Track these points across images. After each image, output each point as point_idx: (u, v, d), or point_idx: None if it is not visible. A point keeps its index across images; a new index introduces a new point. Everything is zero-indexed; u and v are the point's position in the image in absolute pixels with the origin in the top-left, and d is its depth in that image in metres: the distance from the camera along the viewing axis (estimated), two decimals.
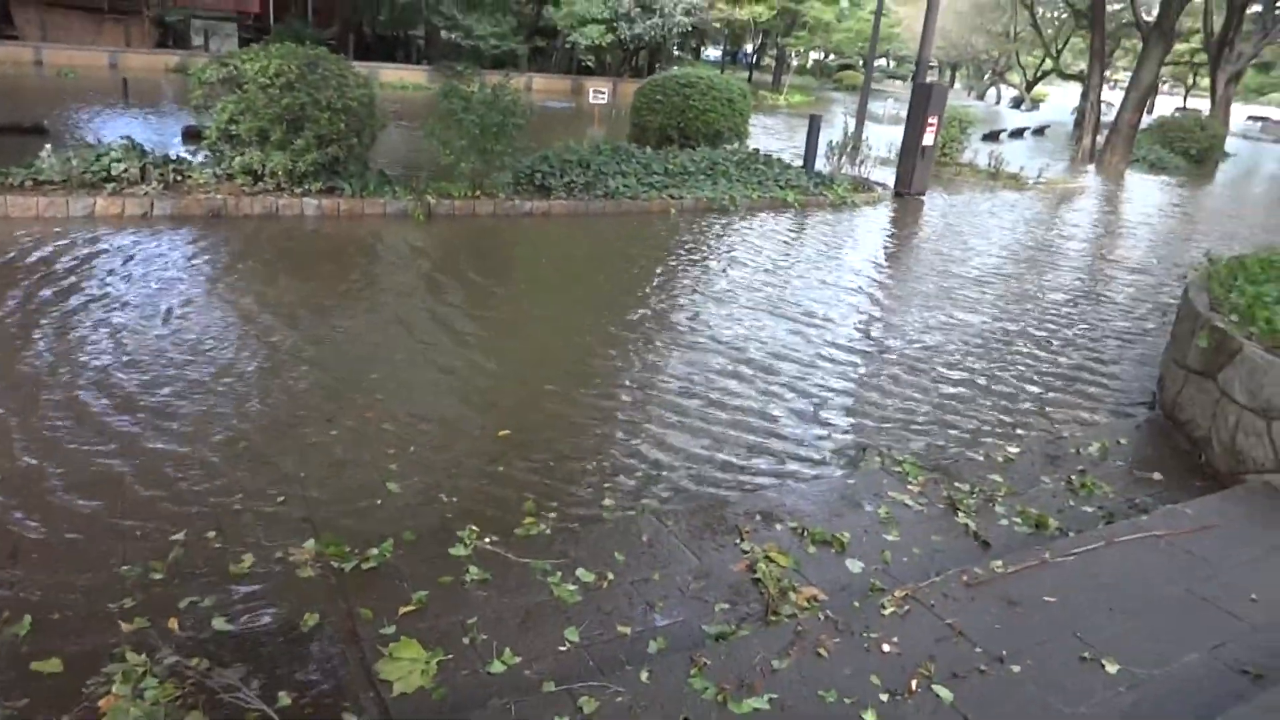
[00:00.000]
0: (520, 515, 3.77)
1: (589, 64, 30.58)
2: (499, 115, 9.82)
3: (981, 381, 6.02)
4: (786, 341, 6.45)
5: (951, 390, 5.81)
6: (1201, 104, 43.60)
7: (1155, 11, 21.27)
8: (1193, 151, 22.76)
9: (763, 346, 6.30)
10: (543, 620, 3.06)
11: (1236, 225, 14.63)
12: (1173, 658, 2.94)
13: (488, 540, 3.50)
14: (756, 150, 13.54)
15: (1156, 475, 4.71)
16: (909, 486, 4.31)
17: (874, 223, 11.58)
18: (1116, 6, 27.87)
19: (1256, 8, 25.49)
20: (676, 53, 31.69)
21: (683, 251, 8.92)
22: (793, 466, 4.57)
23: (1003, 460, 4.73)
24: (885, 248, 10.37)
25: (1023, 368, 6.40)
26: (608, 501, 4.01)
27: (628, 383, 5.44)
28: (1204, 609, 3.25)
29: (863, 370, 6.07)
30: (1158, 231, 13.17)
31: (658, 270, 8.11)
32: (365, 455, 4.21)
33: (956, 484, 4.35)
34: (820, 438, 4.93)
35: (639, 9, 26.22)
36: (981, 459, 4.72)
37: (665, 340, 6.25)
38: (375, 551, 3.32)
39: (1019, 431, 5.25)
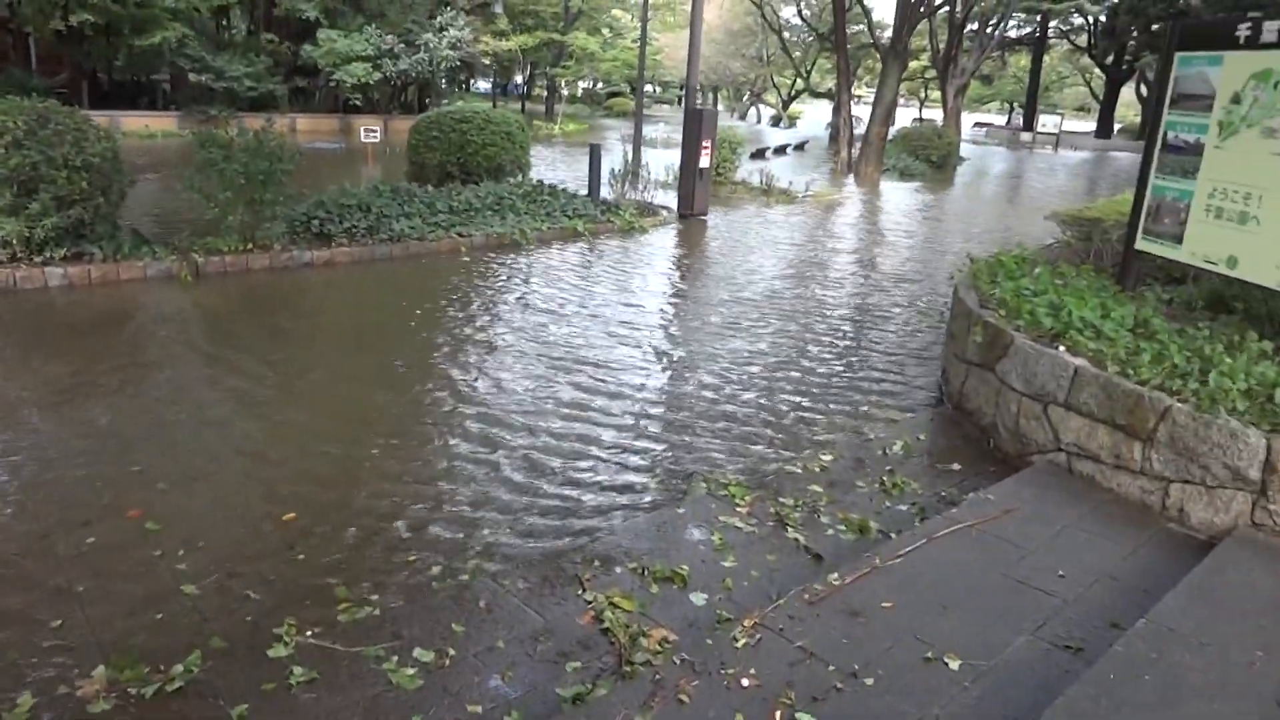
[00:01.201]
0: (341, 600, 3.45)
1: (356, 102, 29.53)
2: (265, 162, 9.20)
3: (785, 395, 6.21)
4: (590, 378, 6.39)
5: (757, 408, 5.95)
6: (935, 114, 48.33)
7: (889, 34, 23.27)
8: (934, 158, 25.11)
9: (567, 384, 6.20)
10: (385, 714, 2.79)
11: (981, 221, 16.21)
12: (1004, 644, 3.09)
13: (310, 634, 3.17)
14: (541, 182, 13.53)
15: (956, 466, 5.03)
16: (738, 508, 4.34)
17: (663, 245, 11.84)
18: (856, 28, 30.30)
19: (973, 28, 28.56)
20: (446, 87, 31.24)
21: (477, 292, 8.66)
22: (621, 501, 4.49)
23: (819, 469, 4.88)
24: (678, 270, 10.60)
25: (821, 376, 6.68)
26: (434, 570, 3.75)
27: (430, 440, 5.16)
28: (1022, 592, 3.45)
29: (671, 399, 6.10)
30: (917, 234, 14.32)
31: (452, 314, 7.78)
32: (150, 556, 3.72)
33: (781, 499, 4.44)
34: (640, 470, 4.89)
35: (403, 45, 25.64)
36: (800, 470, 4.85)
37: (464, 391, 6.01)
38: (180, 668, 2.92)
39: (828, 438, 5.45)
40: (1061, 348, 4.92)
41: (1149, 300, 5.87)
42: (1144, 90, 51.53)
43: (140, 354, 6.45)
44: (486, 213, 11.53)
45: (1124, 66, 47.70)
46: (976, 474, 4.93)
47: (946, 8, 26.39)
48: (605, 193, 13.99)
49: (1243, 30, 5.21)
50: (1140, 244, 6.04)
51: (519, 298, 8.50)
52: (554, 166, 20.76)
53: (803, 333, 7.77)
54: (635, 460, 5.00)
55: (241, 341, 6.85)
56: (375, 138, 20.76)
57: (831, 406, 6.03)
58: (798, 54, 43.61)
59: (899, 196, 19.73)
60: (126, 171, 9.08)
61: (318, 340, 7.02)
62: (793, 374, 6.65)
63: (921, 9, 22.65)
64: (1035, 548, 3.82)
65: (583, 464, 4.92)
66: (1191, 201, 5.57)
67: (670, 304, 8.68)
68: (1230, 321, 5.55)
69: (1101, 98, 51.51)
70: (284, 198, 9.59)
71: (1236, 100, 5.24)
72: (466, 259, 10.03)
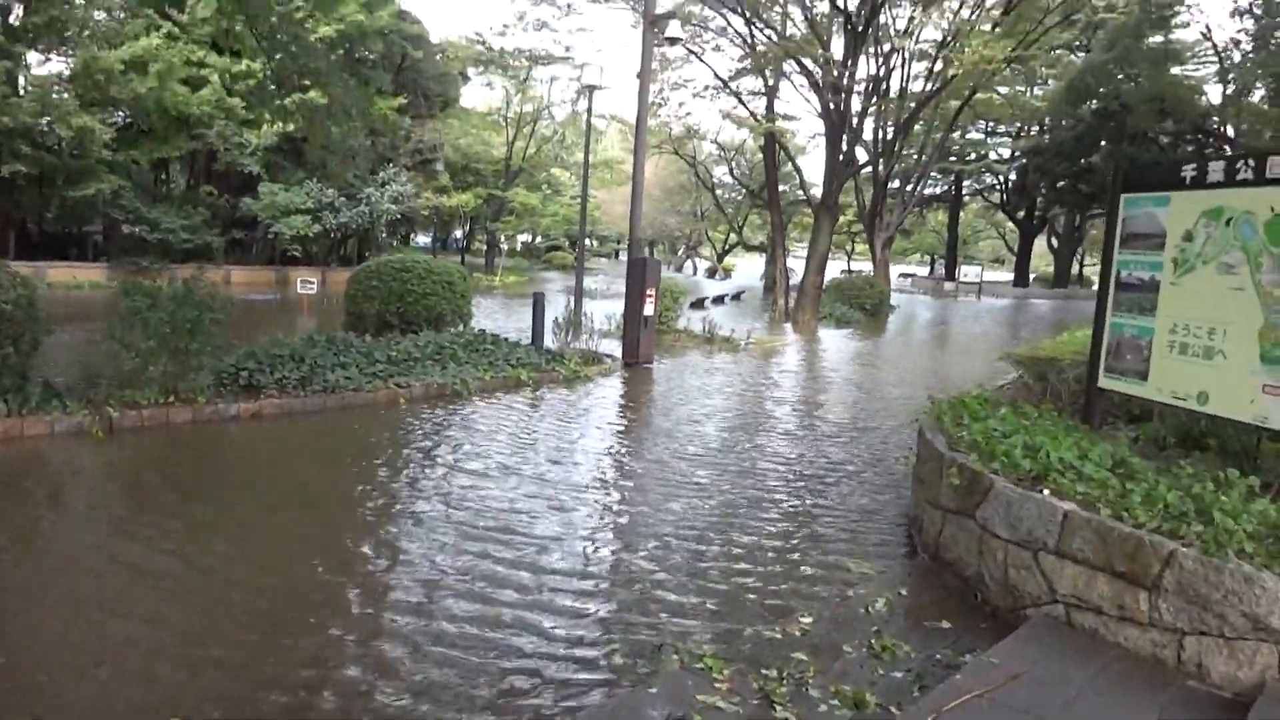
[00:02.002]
0: None
1: (295, 254, 29.46)
2: (193, 310, 8.77)
3: (751, 554, 5.75)
4: (532, 548, 5.89)
5: (723, 569, 5.49)
6: (861, 265, 50.29)
7: (819, 190, 24.27)
8: (867, 306, 25.76)
9: (509, 557, 5.70)
10: None
11: (922, 364, 16.38)
12: None
13: None
14: (483, 331, 13.28)
15: (945, 623, 4.62)
16: (716, 684, 3.84)
17: (610, 395, 11.53)
18: (784, 186, 31.64)
19: (895, 185, 30.07)
20: (385, 239, 31.45)
21: (411, 448, 8.12)
22: (581, 677, 3.94)
23: (800, 633, 4.42)
24: (626, 422, 10.19)
25: (784, 532, 6.25)
26: None
27: (355, 627, 4.57)
28: None
29: (628, 561, 5.63)
30: (862, 380, 14.32)
31: (381, 476, 7.10)
32: None
33: (764, 671, 3.95)
34: (599, 642, 4.36)
35: (344, 199, 25.85)
36: (780, 636, 4.38)
37: (401, 563, 5.45)
38: None
39: (804, 599, 5.00)
40: (1046, 490, 4.64)
41: (1120, 439, 5.71)
42: (1054, 242, 54.69)
43: (24, 519, 5.76)
44: (426, 362, 11.16)
45: (1034, 220, 50.71)
46: (969, 631, 4.52)
47: (870, 167, 27.79)
48: (549, 342, 13.78)
49: (1188, 171, 5.29)
50: (1103, 382, 5.93)
51: (455, 455, 7.88)
52: (494, 316, 20.65)
53: (759, 487, 7.27)
54: (594, 635, 4.48)
55: (156, 502, 6.21)
56: (312, 289, 20.56)
57: (802, 564, 5.60)
58: (730, 210, 45.37)
59: (838, 343, 19.99)
60: (43, 321, 8.57)
61: (242, 502, 6.39)
62: (755, 530, 6.20)
63: (849, 167, 23.75)
64: (1054, 716, 3.39)
65: (536, 651, 4.37)
66: (1153, 338, 5.50)
67: (620, 460, 8.22)
68: (1204, 458, 5.39)
69: (1016, 249, 54.35)
70: (211, 348, 9.09)
71: (1189, 238, 5.26)
72: (404, 410, 9.54)
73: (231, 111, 25.94)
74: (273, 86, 19.24)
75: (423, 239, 55.94)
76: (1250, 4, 26.37)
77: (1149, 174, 5.80)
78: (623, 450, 8.52)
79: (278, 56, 14.30)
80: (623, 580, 5.15)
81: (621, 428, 9.68)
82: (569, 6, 22.40)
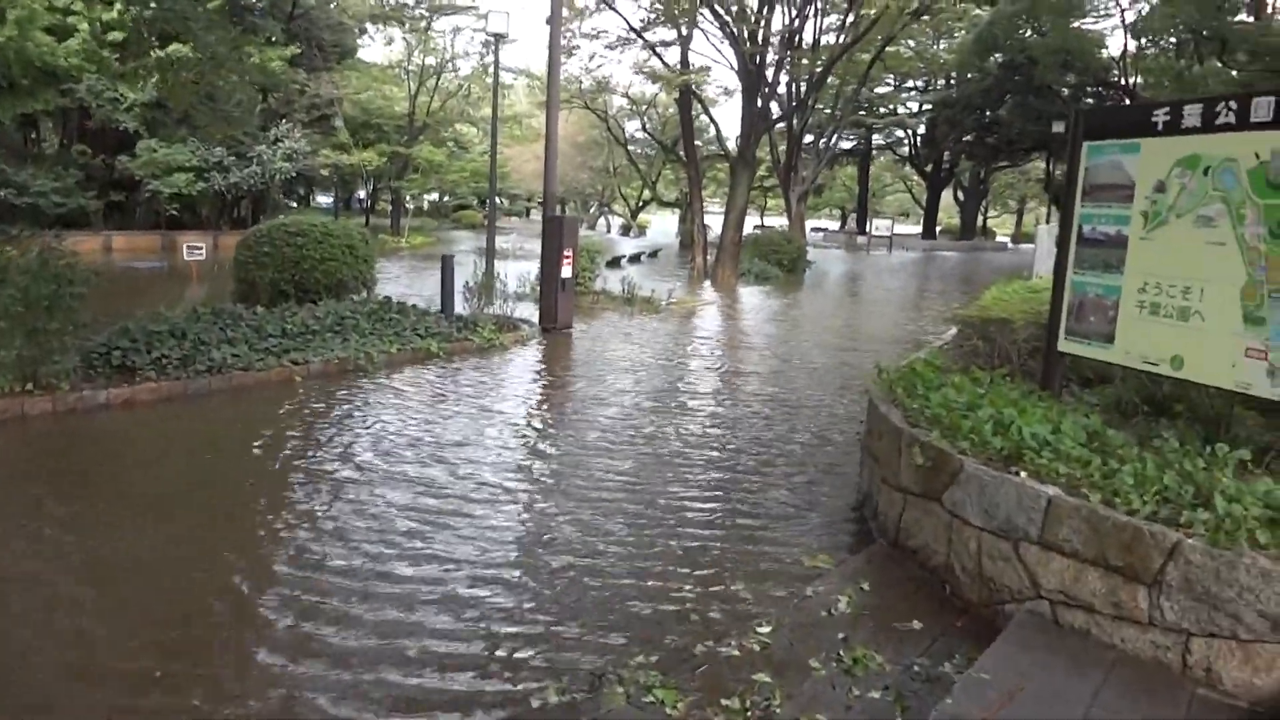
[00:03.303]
0: None
1: (183, 219, 27.49)
2: (49, 285, 7.69)
3: (692, 553, 5.20)
4: (451, 550, 5.21)
5: (663, 573, 4.92)
6: (774, 221, 50.25)
7: (734, 144, 23.71)
8: (785, 262, 25.44)
9: (412, 556, 5.02)
10: None
11: (849, 320, 16.10)
12: None
13: None
14: (389, 299, 12.34)
15: (916, 624, 4.13)
16: (670, 717, 3.27)
17: (528, 364, 10.81)
18: (699, 142, 30.97)
19: (809, 139, 29.75)
20: (282, 200, 29.66)
21: (309, 432, 7.26)
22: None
23: (758, 647, 3.88)
24: (545, 394, 9.48)
25: (728, 525, 5.72)
26: None
27: (221, 691, 3.86)
28: None
29: (555, 567, 5.01)
30: (790, 338, 13.91)
31: (267, 467, 6.30)
32: None
33: (724, 701, 3.39)
34: (527, 670, 3.74)
35: (233, 157, 24.09)
36: (737, 652, 3.83)
37: (296, 574, 4.72)
38: None
39: (758, 602, 4.47)
40: (1023, 473, 4.18)
41: (1082, 408, 5.32)
42: (960, 195, 55.69)
43: None
44: (326, 335, 10.22)
45: (942, 173, 51.41)
46: (944, 633, 4.05)
47: (783, 122, 27.36)
48: (460, 308, 12.93)
49: (1160, 116, 4.83)
50: (1064, 345, 5.51)
51: (357, 438, 7.09)
52: (401, 281, 19.56)
53: (693, 473, 6.66)
54: (523, 657, 3.85)
55: None
56: (200, 255, 19.10)
57: (750, 560, 5.07)
58: (644, 166, 44.51)
59: (760, 300, 19.61)
60: None
61: (78, 515, 5.49)
62: (695, 524, 5.65)
63: (765, 120, 23.22)
64: None
65: (445, 675, 3.73)
66: (1120, 298, 5.08)
67: (540, 439, 7.55)
68: (1173, 425, 5.04)
69: (925, 202, 55.15)
70: (74, 326, 8.03)
71: (1161, 189, 4.83)
72: (300, 391, 8.64)
73: (104, 64, 23.77)
74: (149, 37, 17.58)
75: (324, 199, 53.48)
76: None
77: (1114, 119, 5.35)
78: (542, 435, 7.81)
79: (131, 2, 12.85)
80: (550, 591, 4.53)
81: (540, 406, 8.97)
82: None
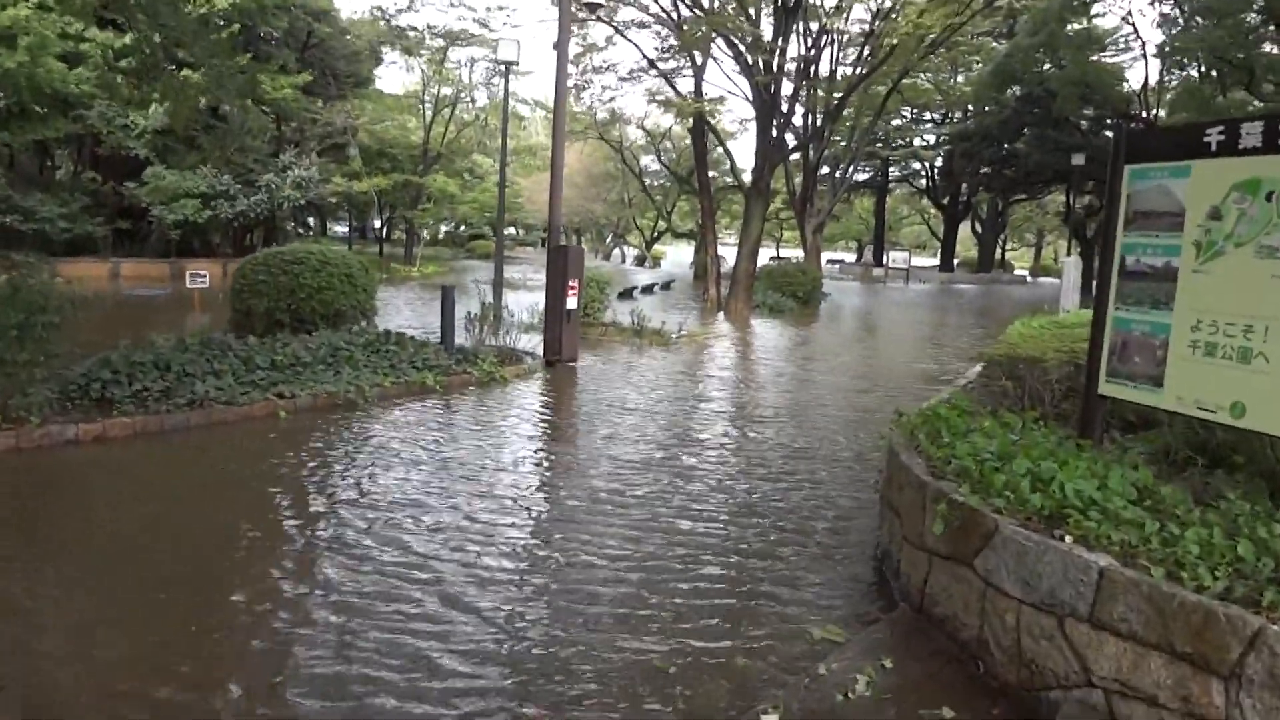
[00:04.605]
0: None
1: (193, 245, 27.36)
2: (18, 313, 7.29)
3: (691, 618, 4.67)
4: (427, 618, 4.71)
5: (666, 652, 4.41)
6: (790, 253, 49.87)
7: (748, 175, 23.37)
8: (800, 294, 24.94)
9: (390, 632, 4.52)
10: None
11: (865, 357, 15.56)
12: None
13: None
14: (387, 331, 11.90)
15: (948, 713, 3.58)
16: None
17: (528, 401, 10.29)
18: (713, 173, 30.70)
19: (825, 170, 29.39)
20: (292, 229, 29.51)
21: (288, 476, 6.73)
22: None
23: None
24: (545, 434, 8.89)
25: (732, 591, 5.20)
26: None
27: None
28: None
29: (542, 644, 4.49)
30: (807, 377, 13.37)
31: (245, 518, 5.76)
32: None
33: None
34: None
35: (241, 185, 23.90)
36: None
37: (271, 644, 4.23)
38: None
39: (764, 681, 3.93)
40: (1068, 537, 3.65)
41: (1126, 457, 4.78)
42: (978, 227, 55.19)
43: None
44: (318, 367, 9.78)
45: (959, 206, 50.98)
46: None
47: (798, 153, 27.04)
48: (462, 340, 12.49)
49: (1214, 135, 4.34)
50: (1105, 388, 4.97)
51: (335, 485, 6.55)
52: (406, 311, 19.18)
53: (698, 529, 6.08)
54: None
55: None
56: (204, 283, 18.73)
57: (754, 628, 4.54)
58: (659, 197, 44.30)
59: (773, 334, 19.09)
60: None
61: (55, 562, 5.03)
62: (693, 583, 5.11)
63: (780, 151, 22.86)
64: None
65: None
66: (1169, 336, 4.56)
67: (537, 487, 7.00)
68: (1234, 479, 4.49)
69: (942, 235, 54.67)
70: (46, 356, 7.62)
71: (1217, 216, 4.32)
72: (284, 426, 8.17)
73: (115, 90, 23.77)
74: (166, 64, 17.44)
75: (340, 229, 53.56)
76: None
77: (1160, 140, 4.87)
78: (535, 482, 7.27)
79: (143, 29, 12.64)
80: (538, 669, 4.01)
81: (537, 445, 8.43)
82: None
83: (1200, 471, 4.68)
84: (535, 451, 8.07)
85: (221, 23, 22.28)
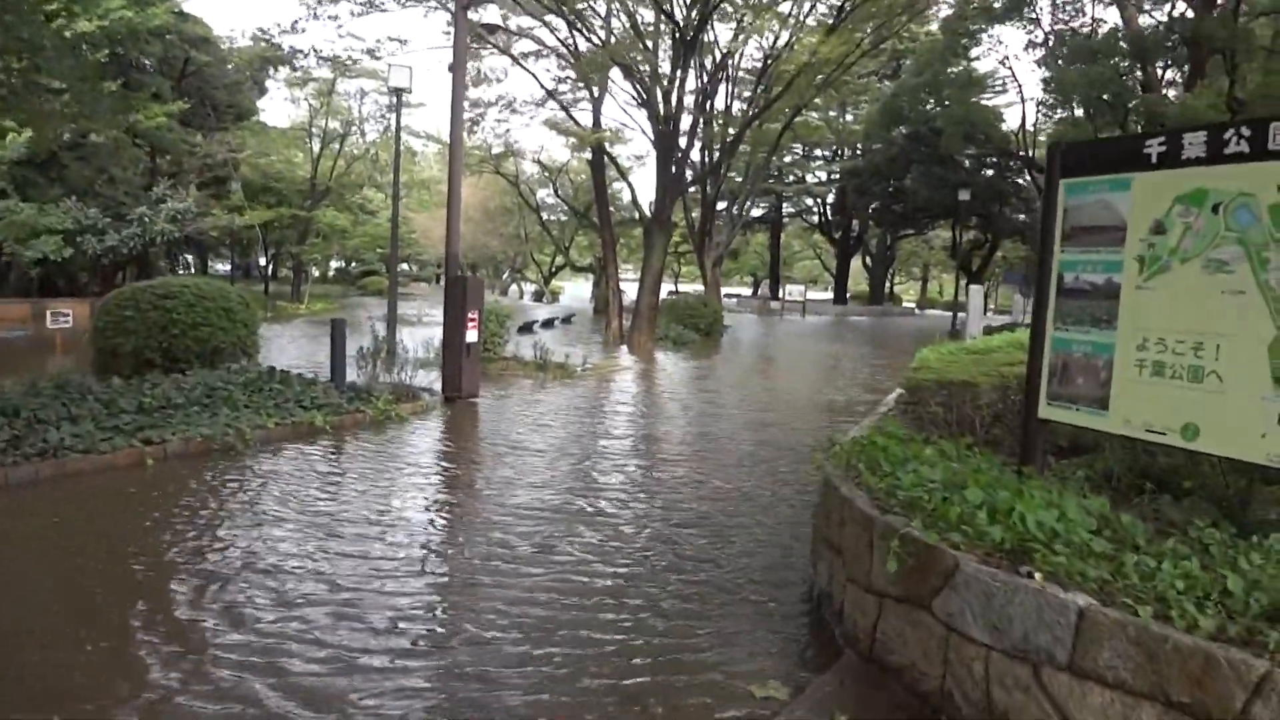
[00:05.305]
0: None
1: (57, 284, 25.40)
2: None
3: (616, 689, 4.16)
4: (323, 685, 4.07)
5: (577, 697, 3.89)
6: (688, 288, 50.17)
7: (650, 209, 23.23)
8: (702, 326, 24.89)
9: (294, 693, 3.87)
10: None
11: (770, 387, 15.39)
12: None
13: None
14: (272, 368, 11.05)
15: None
16: None
17: (425, 441, 9.59)
18: (612, 207, 30.53)
19: (723, 205, 29.61)
20: (166, 265, 27.81)
21: (151, 538, 5.87)
22: None
23: None
24: (442, 479, 8.13)
25: (661, 627, 4.73)
26: None
27: None
28: None
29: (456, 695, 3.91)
30: (715, 409, 13.05)
31: (100, 589, 4.95)
32: None
33: None
34: None
35: (110, 218, 22.33)
36: None
37: None
38: None
39: None
40: (1037, 575, 3.33)
41: (1073, 482, 4.55)
42: (869, 261, 56.87)
43: None
44: (192, 409, 8.89)
45: (851, 240, 52.42)
46: None
47: (696, 187, 27.14)
48: (354, 376, 11.71)
49: (1154, 147, 4.18)
50: (1045, 411, 4.75)
51: (204, 545, 5.74)
52: (292, 349, 18.12)
53: (611, 579, 5.53)
54: None
55: None
56: (66, 323, 17.36)
57: (687, 691, 4.07)
58: (556, 231, 43.89)
59: (677, 366, 18.82)
60: None
61: None
62: (616, 648, 4.59)
63: (680, 183, 22.82)
64: None
65: None
66: (1114, 356, 4.36)
67: (432, 542, 6.26)
68: (1183, 504, 4.30)
69: (835, 268, 56.06)
70: None
71: (1160, 229, 4.15)
72: (149, 476, 7.29)
73: None
74: (30, 89, 16.09)
75: (222, 267, 51.09)
76: (1045, 37, 27.73)
77: (1097, 153, 4.70)
78: (430, 531, 6.64)
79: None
80: None
81: (433, 492, 7.71)
82: (369, 3, 20.15)
83: (1147, 497, 4.48)
84: (431, 502, 7.28)
85: (87, 47, 20.89)
